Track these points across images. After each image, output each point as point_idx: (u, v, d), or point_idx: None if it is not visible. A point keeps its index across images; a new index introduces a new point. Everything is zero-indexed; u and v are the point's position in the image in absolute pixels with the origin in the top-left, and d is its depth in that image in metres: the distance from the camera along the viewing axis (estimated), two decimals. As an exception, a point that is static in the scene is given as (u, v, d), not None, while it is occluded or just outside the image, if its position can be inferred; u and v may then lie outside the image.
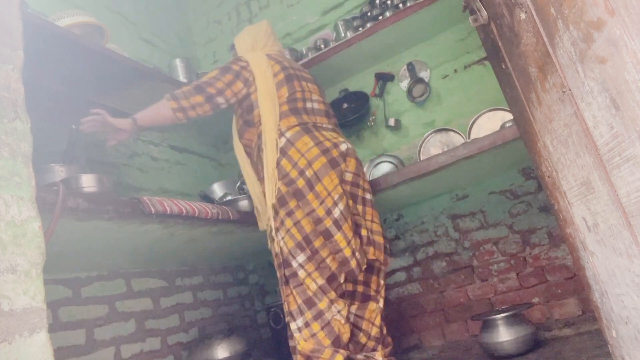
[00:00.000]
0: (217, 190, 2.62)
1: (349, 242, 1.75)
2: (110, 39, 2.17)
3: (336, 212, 1.76)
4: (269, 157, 1.85)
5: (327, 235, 1.74)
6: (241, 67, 1.95)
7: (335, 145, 1.87)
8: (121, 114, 2.50)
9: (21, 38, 1.04)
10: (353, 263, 1.75)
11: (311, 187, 1.76)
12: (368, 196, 1.93)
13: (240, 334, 2.25)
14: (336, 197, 1.77)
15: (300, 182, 1.77)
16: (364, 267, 1.79)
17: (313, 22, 3.12)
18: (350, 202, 1.85)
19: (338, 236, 1.74)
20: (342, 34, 2.71)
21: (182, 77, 2.74)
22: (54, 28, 1.78)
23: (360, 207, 1.88)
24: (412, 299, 2.70)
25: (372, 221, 1.91)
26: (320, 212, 1.75)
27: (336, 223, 1.75)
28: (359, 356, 1.83)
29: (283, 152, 1.83)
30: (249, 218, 2.04)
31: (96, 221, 1.38)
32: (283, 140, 1.85)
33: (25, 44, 1.04)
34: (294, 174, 1.79)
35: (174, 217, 1.61)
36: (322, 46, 2.74)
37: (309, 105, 1.98)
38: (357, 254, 1.77)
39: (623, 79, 0.67)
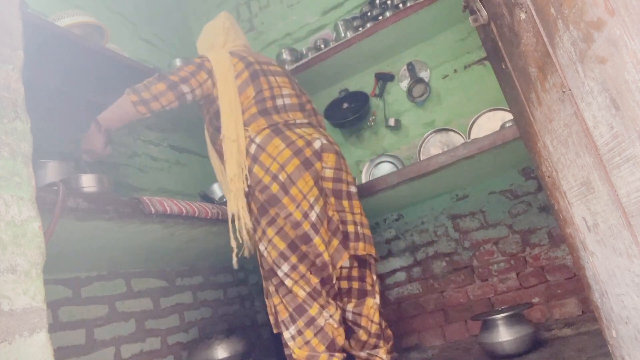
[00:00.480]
0: (217, 190, 2.61)
1: (327, 246, 1.71)
2: (110, 39, 2.17)
3: (313, 216, 1.71)
4: (230, 168, 1.77)
5: (306, 240, 1.69)
6: (202, 60, 1.87)
7: (309, 144, 1.79)
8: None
9: (21, 38, 1.04)
10: (331, 268, 1.71)
11: (286, 191, 1.71)
12: (353, 189, 1.87)
13: (240, 334, 2.25)
14: (312, 199, 1.72)
15: (275, 187, 1.72)
16: (338, 267, 1.75)
17: (313, 22, 3.12)
18: (333, 199, 1.79)
19: (317, 240, 1.69)
20: (342, 34, 2.71)
21: (182, 77, 2.74)
22: (54, 28, 1.78)
23: (345, 202, 1.82)
24: (412, 299, 2.70)
25: (360, 214, 1.86)
26: (298, 215, 1.69)
27: (314, 226, 1.70)
28: (362, 354, 1.82)
29: (254, 158, 1.77)
30: (249, 218, 2.04)
31: (96, 221, 1.39)
32: (253, 146, 1.78)
33: (25, 44, 1.04)
34: (267, 179, 1.73)
35: (174, 217, 1.61)
36: (322, 46, 2.75)
37: (279, 102, 1.89)
38: (351, 244, 1.76)
39: (623, 79, 0.67)
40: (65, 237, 1.41)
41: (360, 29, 2.64)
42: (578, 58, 0.78)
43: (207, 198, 2.36)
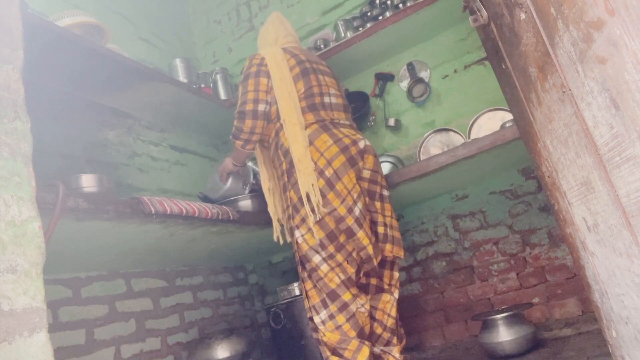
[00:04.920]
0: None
1: (370, 240, 1.77)
2: (110, 39, 2.17)
3: (357, 211, 1.76)
4: (297, 149, 1.82)
5: (349, 234, 1.75)
6: (257, 65, 1.95)
7: (354, 143, 1.86)
8: (121, 114, 2.51)
9: (21, 38, 1.03)
10: (375, 261, 1.78)
11: (331, 186, 1.76)
12: (385, 192, 1.94)
13: (240, 334, 2.25)
14: (355, 195, 1.78)
15: (321, 182, 1.77)
16: (377, 261, 1.82)
17: (313, 22, 3.12)
18: (367, 199, 1.85)
19: (360, 234, 1.75)
20: (342, 34, 2.71)
21: (182, 77, 2.74)
22: (54, 28, 1.78)
23: (378, 204, 1.88)
24: (412, 299, 2.70)
25: (391, 217, 1.91)
26: (342, 210, 1.75)
27: (357, 221, 1.75)
28: (375, 349, 1.85)
29: None
30: (249, 218, 2.04)
31: (96, 221, 1.38)
32: None
33: (25, 44, 1.04)
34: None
35: (174, 217, 1.61)
36: (322, 46, 2.74)
37: (326, 100, 1.96)
38: (380, 244, 1.82)
39: (623, 79, 0.67)
40: (65, 237, 1.41)
41: (360, 29, 2.64)
42: (578, 58, 0.78)
43: (206, 199, 2.36)
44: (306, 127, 1.86)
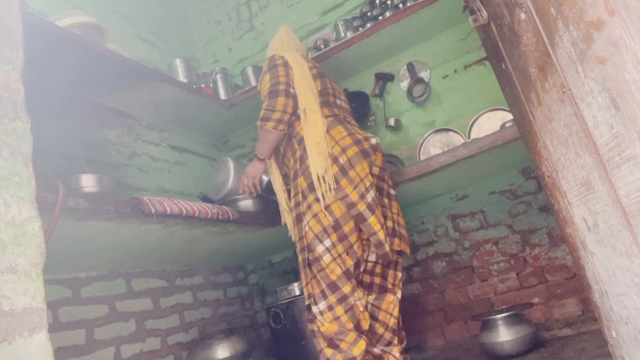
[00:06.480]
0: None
1: (382, 226, 1.79)
2: (110, 39, 2.17)
3: (369, 197, 1.79)
4: (316, 134, 1.87)
5: (360, 219, 1.78)
6: (283, 59, 2.03)
7: (367, 139, 1.92)
8: (121, 114, 2.51)
9: (21, 38, 1.03)
10: (387, 247, 1.79)
11: (345, 172, 1.80)
12: (392, 191, 1.98)
13: (240, 334, 2.25)
14: (368, 184, 1.82)
15: (334, 169, 1.81)
16: (394, 253, 1.84)
17: (313, 22, 3.12)
18: (377, 193, 1.89)
19: (372, 219, 1.77)
20: (342, 34, 2.71)
21: (182, 77, 2.74)
22: (54, 28, 1.78)
23: (386, 200, 1.92)
24: (412, 299, 2.70)
25: (398, 214, 1.95)
26: (354, 196, 1.78)
27: (369, 207, 1.78)
28: (375, 349, 1.86)
29: None
30: (249, 218, 2.04)
31: (96, 221, 1.38)
32: None
33: (25, 44, 1.04)
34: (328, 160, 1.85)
35: (174, 217, 1.61)
36: (322, 46, 2.74)
37: (338, 101, 2.07)
38: (388, 238, 1.82)
39: (623, 79, 0.67)
40: (65, 237, 1.41)
41: (360, 29, 2.64)
42: (578, 58, 0.78)
43: (206, 199, 2.36)
44: (323, 118, 1.93)
